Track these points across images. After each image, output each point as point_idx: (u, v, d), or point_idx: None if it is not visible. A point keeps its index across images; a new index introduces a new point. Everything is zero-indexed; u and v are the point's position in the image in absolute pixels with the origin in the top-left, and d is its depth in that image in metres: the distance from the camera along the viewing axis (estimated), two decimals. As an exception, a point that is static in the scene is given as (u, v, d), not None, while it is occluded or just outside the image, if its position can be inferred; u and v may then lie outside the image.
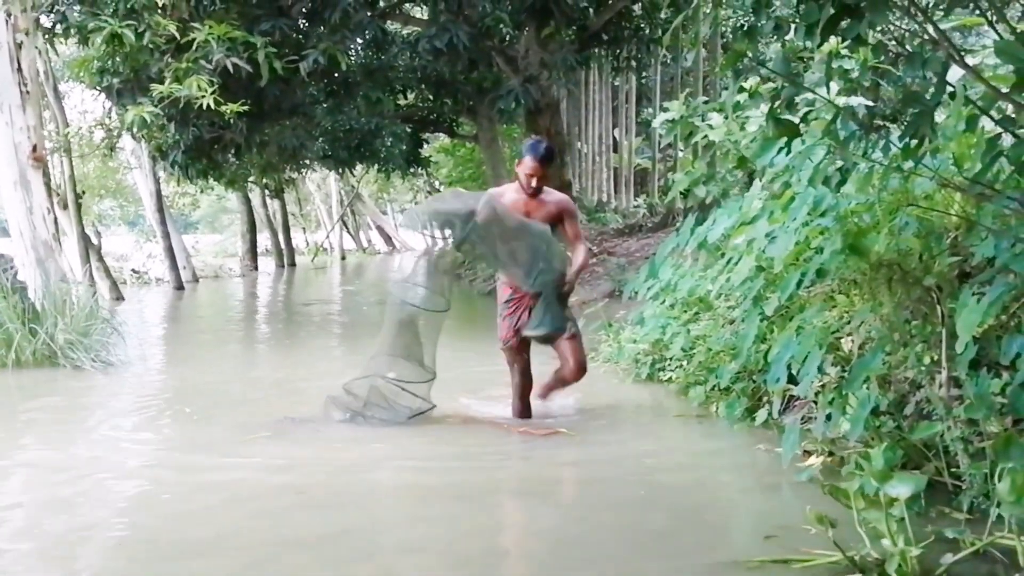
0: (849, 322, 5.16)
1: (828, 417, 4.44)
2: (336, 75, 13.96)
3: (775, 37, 3.88)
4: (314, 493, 4.35)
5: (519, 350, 5.63)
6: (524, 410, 5.79)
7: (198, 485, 4.52)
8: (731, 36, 15.34)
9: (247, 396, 7.09)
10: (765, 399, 5.46)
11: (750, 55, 4.03)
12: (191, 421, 6.07)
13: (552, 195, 5.57)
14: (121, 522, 3.98)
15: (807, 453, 4.51)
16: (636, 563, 3.32)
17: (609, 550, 3.45)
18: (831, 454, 4.39)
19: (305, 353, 9.90)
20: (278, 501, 4.21)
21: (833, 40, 5.02)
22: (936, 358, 4.13)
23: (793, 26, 4.01)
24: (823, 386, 4.87)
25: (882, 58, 5.93)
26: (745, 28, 4.04)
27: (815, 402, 4.96)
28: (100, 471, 4.82)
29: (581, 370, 5.59)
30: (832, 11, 3.62)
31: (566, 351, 5.52)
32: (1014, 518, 2.96)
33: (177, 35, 9.61)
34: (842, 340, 5.12)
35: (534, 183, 5.36)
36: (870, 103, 5.66)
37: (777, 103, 4.26)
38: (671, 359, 6.85)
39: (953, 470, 3.83)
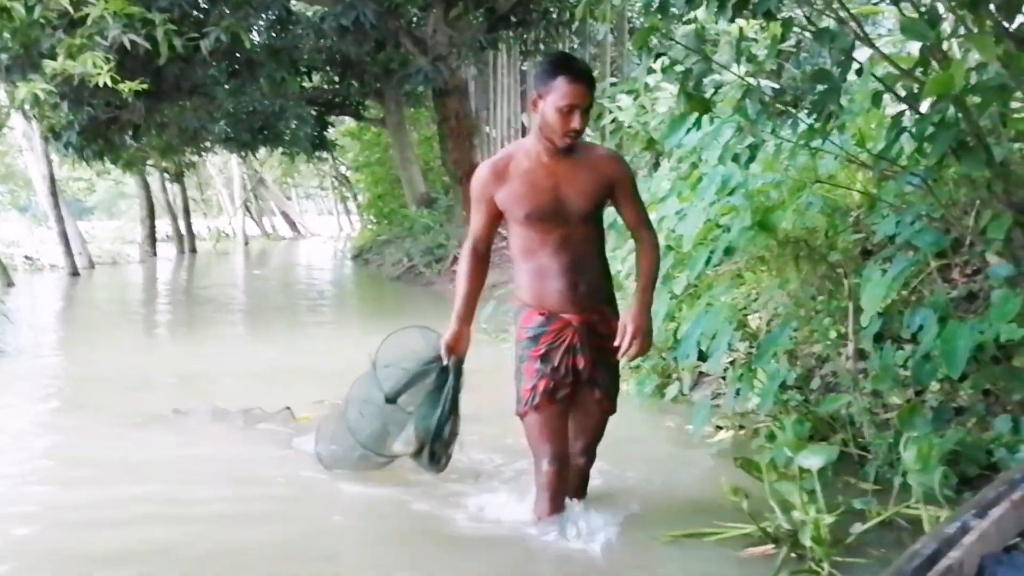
0: (757, 299, 5.24)
1: (737, 392, 4.50)
2: (239, 54, 13.60)
3: (687, 11, 3.88)
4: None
5: (552, 417, 3.23)
6: (554, 506, 3.31)
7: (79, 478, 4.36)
8: (639, 21, 15.44)
9: (141, 384, 6.80)
10: (675, 376, 5.50)
11: (662, 31, 4.03)
12: (80, 409, 5.83)
13: (593, 151, 3.31)
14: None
15: (717, 428, 4.56)
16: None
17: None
18: (741, 428, 4.44)
19: (204, 340, 9.63)
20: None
21: (741, 21, 5.07)
22: (842, 332, 4.20)
23: (705, 1, 4.02)
24: (732, 362, 4.94)
25: (789, 40, 6.02)
26: (657, 4, 4.04)
27: (724, 378, 5.02)
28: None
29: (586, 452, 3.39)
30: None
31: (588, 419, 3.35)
32: (921, 487, 3.01)
33: (71, 9, 9.19)
34: (750, 317, 5.18)
35: (576, 120, 3.05)
36: (775, 85, 5.73)
37: (688, 79, 4.26)
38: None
39: (859, 441, 3.90)
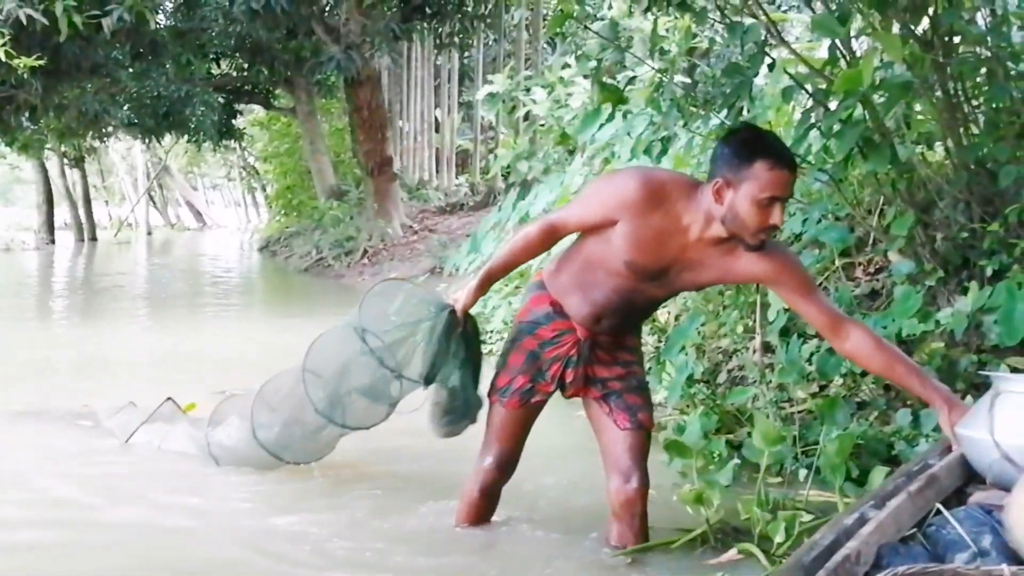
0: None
1: (646, 385, 4.49)
2: (143, 35, 13.17)
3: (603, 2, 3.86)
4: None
5: (516, 419, 2.96)
6: (479, 511, 3.07)
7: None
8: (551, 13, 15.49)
9: (35, 373, 6.50)
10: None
11: (575, 17, 4.00)
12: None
13: (758, 254, 2.61)
14: None
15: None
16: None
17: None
18: (649, 420, 4.43)
19: (100, 328, 9.29)
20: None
21: (651, 18, 5.07)
22: (749, 326, 4.23)
23: (620, -9, 4.01)
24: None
25: (701, 40, 6.07)
26: (572, -9, 4.01)
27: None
28: None
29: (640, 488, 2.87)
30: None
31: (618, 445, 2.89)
32: (836, 479, 3.00)
33: (-38, -20, 8.80)
34: (658, 311, 5.19)
35: (776, 217, 2.51)
36: (687, 80, 5.77)
37: (602, 70, 4.25)
38: (492, 331, 6.80)
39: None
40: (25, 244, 24.42)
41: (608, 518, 2.94)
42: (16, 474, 3.89)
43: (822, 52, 4.71)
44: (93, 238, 28.45)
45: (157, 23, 11.97)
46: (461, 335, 2.95)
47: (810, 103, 3.96)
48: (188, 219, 43.75)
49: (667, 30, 7.02)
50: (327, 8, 14.83)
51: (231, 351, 7.46)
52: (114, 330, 9.05)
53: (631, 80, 5.38)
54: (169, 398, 4.44)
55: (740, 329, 4.32)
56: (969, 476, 2.11)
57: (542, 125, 8.92)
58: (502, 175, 12.42)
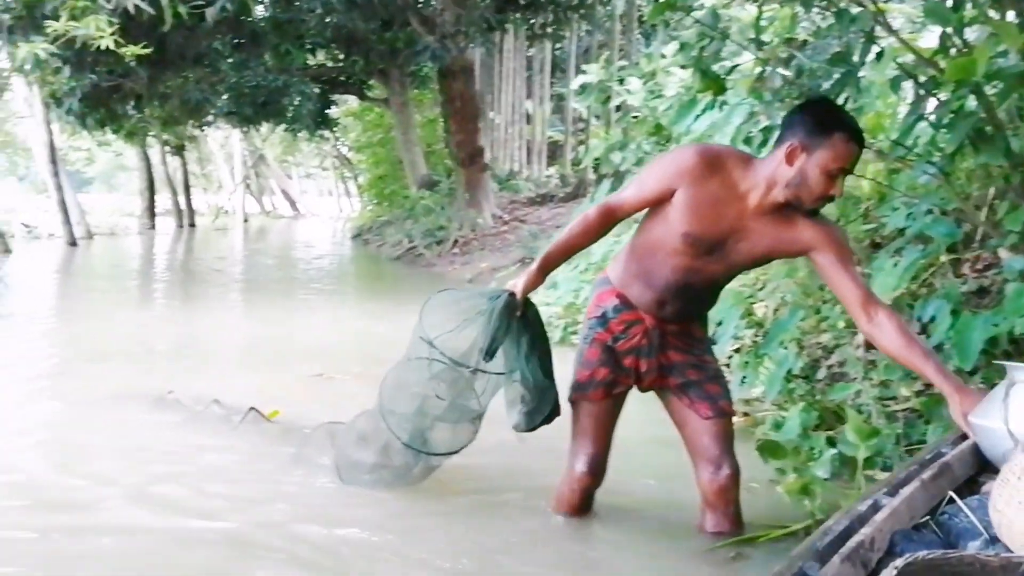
0: (764, 287, 5.17)
1: (743, 379, 4.43)
2: (244, 26, 13.48)
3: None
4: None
5: (602, 412, 2.94)
6: (576, 513, 3.05)
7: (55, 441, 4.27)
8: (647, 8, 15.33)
9: (131, 355, 6.67)
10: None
11: (677, 6, 3.95)
12: (71, 380, 5.73)
13: (809, 221, 2.69)
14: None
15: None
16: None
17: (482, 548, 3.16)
18: (745, 415, 4.37)
19: (200, 312, 9.55)
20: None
21: (753, 8, 4.98)
22: (851, 322, 4.13)
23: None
24: (738, 349, 4.87)
25: (804, 28, 5.94)
26: (675, -22, 3.96)
27: (728, 365, 4.95)
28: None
29: (732, 474, 2.87)
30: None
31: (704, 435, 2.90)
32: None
33: (75, -29, 9.11)
34: (756, 305, 5.11)
35: (839, 189, 2.60)
36: (788, 73, 5.66)
37: (703, 58, 4.18)
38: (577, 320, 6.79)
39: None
40: (128, 229, 25.22)
41: (701, 507, 2.92)
42: (87, 459, 3.91)
43: (927, 41, 4.58)
44: (192, 224, 29.24)
45: (257, 15, 12.15)
46: (522, 320, 2.91)
47: (918, 94, 3.84)
48: (282, 207, 44.63)
49: (769, 20, 6.92)
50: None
51: (323, 337, 7.59)
52: (210, 315, 9.29)
53: (730, 70, 5.29)
54: (252, 408, 4.44)
55: (842, 324, 4.22)
56: (982, 465, 2.10)
57: (635, 116, 8.85)
58: (593, 166, 12.38)
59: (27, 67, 9.76)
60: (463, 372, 3.05)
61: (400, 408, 3.24)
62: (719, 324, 4.55)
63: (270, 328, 8.19)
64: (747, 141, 4.42)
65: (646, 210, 2.85)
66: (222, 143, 37.45)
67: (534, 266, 2.89)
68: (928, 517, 1.79)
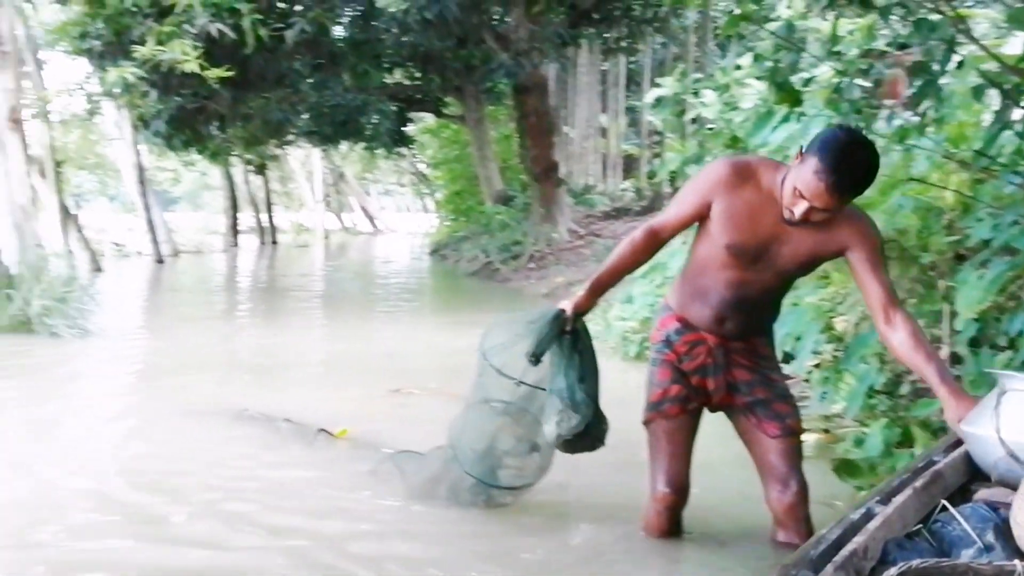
0: (844, 300, 5.07)
1: (823, 395, 4.36)
2: (322, 47, 13.75)
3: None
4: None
5: (678, 429, 2.94)
6: (666, 529, 3.02)
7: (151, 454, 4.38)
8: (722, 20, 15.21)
9: (216, 371, 6.83)
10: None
11: (752, 19, 3.92)
12: (158, 396, 5.89)
13: (845, 218, 2.65)
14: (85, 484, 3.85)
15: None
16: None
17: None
18: (825, 431, 4.30)
19: (282, 327, 9.74)
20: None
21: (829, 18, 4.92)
22: (936, 336, 4.04)
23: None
24: (817, 364, 4.78)
25: (884, 32, 5.84)
26: (749, -9, 3.93)
27: (808, 380, 4.88)
28: (68, 434, 4.68)
29: (800, 492, 2.86)
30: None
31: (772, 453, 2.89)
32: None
33: (161, -3, 9.44)
34: (837, 319, 5.02)
35: (802, 210, 2.54)
36: (867, 84, 5.57)
37: (778, 71, 4.15)
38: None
39: (950, 450, 3.74)
40: (212, 247, 25.82)
41: (772, 527, 2.91)
42: (164, 474, 3.97)
43: (1011, 48, 4.46)
44: (274, 241, 29.84)
45: (335, 35, 12.39)
46: (572, 336, 2.96)
47: (1003, 102, 3.75)
48: (362, 224, 45.26)
49: (848, 32, 6.82)
50: (497, 16, 15.06)
51: (400, 352, 7.68)
52: (291, 330, 9.47)
53: (807, 82, 5.23)
54: (322, 429, 4.49)
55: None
56: (974, 473, 2.09)
57: (711, 128, 8.77)
58: (669, 179, 12.30)
59: (116, 91, 10.10)
60: (517, 405, 3.15)
61: (470, 446, 3.31)
62: (798, 339, 4.49)
63: (349, 343, 8.31)
64: (825, 153, 4.36)
65: (694, 233, 2.88)
66: (303, 161, 38.14)
67: (587, 293, 2.94)
68: (921, 525, 1.78)
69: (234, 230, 27.75)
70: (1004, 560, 1.55)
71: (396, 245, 30.67)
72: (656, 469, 2.95)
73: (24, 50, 14.13)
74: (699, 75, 12.04)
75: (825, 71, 4.65)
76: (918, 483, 1.88)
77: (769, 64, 3.98)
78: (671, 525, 3.01)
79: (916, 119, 3.79)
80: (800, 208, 2.52)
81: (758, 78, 6.24)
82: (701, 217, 2.77)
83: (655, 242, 2.88)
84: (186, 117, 13.66)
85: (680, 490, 2.95)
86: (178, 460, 4.20)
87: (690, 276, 2.90)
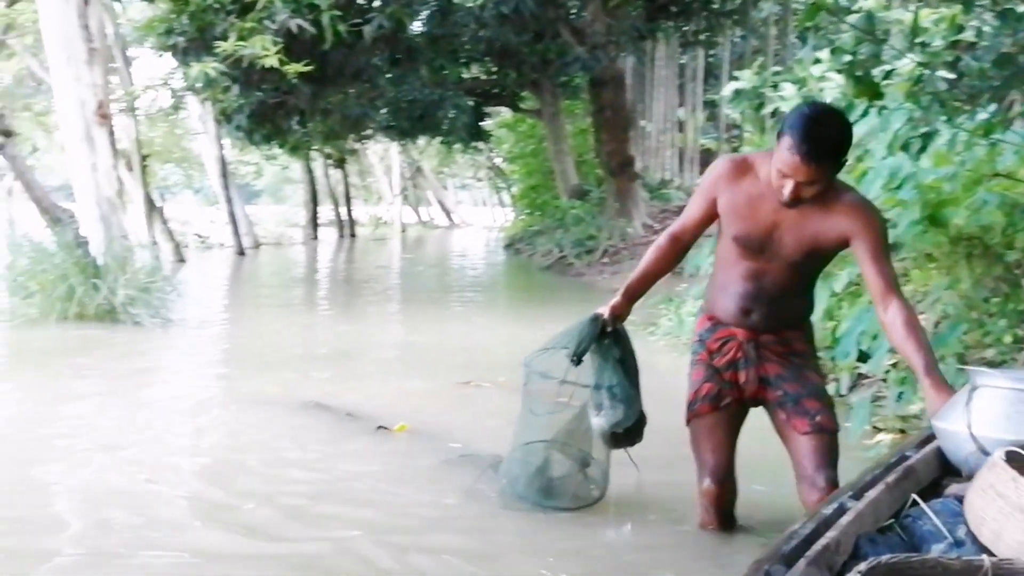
0: (924, 299, 4.95)
1: (900, 395, 4.25)
2: (400, 41, 13.87)
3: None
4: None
5: (714, 426, 2.99)
6: (718, 522, 3.05)
7: (232, 443, 4.47)
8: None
9: (293, 361, 6.93)
10: (832, 375, 5.25)
11: (830, 9, 3.84)
12: (236, 386, 6.01)
13: (838, 198, 2.71)
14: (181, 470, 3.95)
15: (876, 430, 4.33)
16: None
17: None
18: (901, 432, 4.20)
19: (357, 318, 9.87)
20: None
21: (912, 9, 4.79)
22: (1019, 336, 3.91)
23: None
24: (895, 364, 4.67)
25: (968, 26, 5.67)
26: (827, -19, 3.85)
27: (884, 380, 4.76)
28: (154, 426, 4.82)
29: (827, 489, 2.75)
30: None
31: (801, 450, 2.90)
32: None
33: (243, -6, 9.62)
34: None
35: (788, 188, 2.59)
36: (951, 76, 5.41)
37: (857, 64, 4.05)
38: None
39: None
40: (292, 239, 26.28)
41: None
42: (232, 468, 4.01)
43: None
44: (352, 234, 30.24)
45: (412, 31, 12.49)
46: (612, 337, 3.08)
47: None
48: (438, 217, 45.61)
49: (933, 23, 6.64)
50: (573, 10, 15.01)
51: (472, 345, 7.72)
52: (365, 322, 9.59)
53: (888, 74, 5.10)
54: (381, 427, 4.54)
55: (1008, 339, 4.00)
56: (945, 468, 2.11)
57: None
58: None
59: (199, 85, 10.32)
60: (562, 402, 3.23)
61: (524, 457, 3.41)
62: (874, 338, 4.38)
63: (421, 335, 8.39)
64: (905, 148, 4.25)
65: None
66: (381, 156, 38.56)
67: (621, 297, 3.08)
68: (893, 520, 1.79)
69: (314, 223, 28.19)
70: (974, 555, 1.55)
71: (471, 239, 30.84)
72: (700, 465, 3.02)
73: (113, 47, 14.56)
74: (778, 68, 11.85)
75: (907, 63, 4.53)
76: (890, 478, 1.89)
77: (847, 57, 3.89)
78: (722, 518, 3.04)
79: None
80: (787, 187, 2.58)
81: (838, 71, 6.11)
82: (712, 215, 2.88)
83: (678, 246, 3.02)
84: (267, 112, 13.90)
85: (723, 483, 2.99)
86: (247, 450, 4.26)
87: (715, 274, 2.99)
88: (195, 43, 10.85)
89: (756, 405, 3.00)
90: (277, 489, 3.71)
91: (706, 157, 22.61)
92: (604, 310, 3.08)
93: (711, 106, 23.25)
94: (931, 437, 2.21)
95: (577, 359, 3.05)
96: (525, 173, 25.20)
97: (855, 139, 5.99)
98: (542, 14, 13.32)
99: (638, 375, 3.16)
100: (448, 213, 45.19)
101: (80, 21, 9.03)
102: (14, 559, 3.00)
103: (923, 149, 4.38)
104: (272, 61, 9.67)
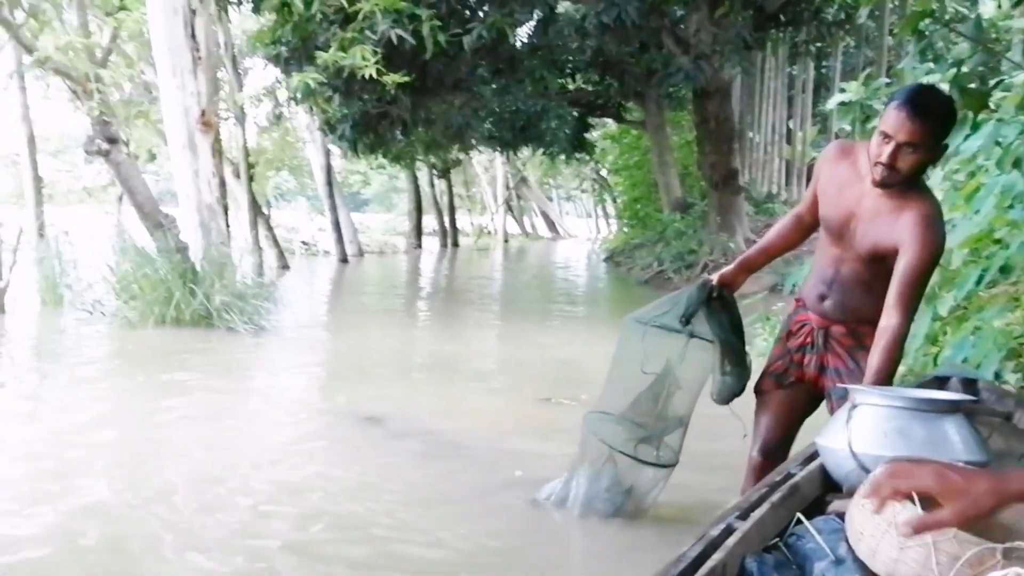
0: (1037, 326, 4.60)
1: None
2: (501, 52, 13.84)
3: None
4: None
5: (772, 402, 3.06)
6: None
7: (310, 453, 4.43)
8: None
9: (379, 373, 6.94)
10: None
11: (935, 16, 3.58)
12: (327, 393, 6.01)
13: (909, 203, 2.63)
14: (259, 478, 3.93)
15: (978, 467, 4.02)
16: None
17: None
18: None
19: (453, 329, 9.84)
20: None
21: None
22: None
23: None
24: (1001, 395, 4.34)
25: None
26: (931, -15, 3.60)
27: (990, 412, 4.44)
28: (236, 444, 4.83)
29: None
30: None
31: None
32: None
33: (345, 4, 9.67)
34: (1026, 346, 4.55)
35: (886, 152, 2.52)
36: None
37: (963, 73, 3.78)
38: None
39: None
40: (396, 248, 26.58)
41: None
42: (310, 488, 3.96)
43: None
44: (455, 244, 30.45)
45: (516, 39, 12.43)
46: (719, 301, 3.15)
47: None
48: (542, 228, 45.60)
49: (1052, 27, 6.21)
50: (678, 19, 14.75)
51: (561, 360, 7.62)
52: (462, 333, 9.56)
53: (997, 84, 4.78)
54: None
55: None
56: (829, 486, 2.13)
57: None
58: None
59: (299, 95, 10.46)
60: (680, 339, 3.23)
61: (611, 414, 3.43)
62: (978, 366, 4.08)
63: (515, 349, 8.34)
64: (1016, 164, 3.94)
65: None
66: (486, 166, 38.77)
67: (736, 265, 3.16)
68: (778, 539, 1.80)
69: (417, 232, 28.46)
70: (852, 572, 1.59)
71: (574, 250, 30.70)
72: (755, 435, 3.08)
73: (224, 56, 14.93)
74: (887, 80, 11.39)
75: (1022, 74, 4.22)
76: (775, 497, 1.90)
77: (952, 67, 3.63)
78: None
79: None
80: (887, 150, 2.53)
81: (947, 82, 5.76)
82: (818, 195, 2.90)
83: (799, 225, 3.06)
84: (369, 121, 14.04)
85: (769, 458, 2.98)
86: (330, 470, 4.22)
87: (815, 258, 3.02)
88: (297, 53, 11.02)
89: (815, 388, 3.01)
90: (353, 510, 3.66)
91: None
92: (714, 276, 3.17)
93: (823, 118, 22.63)
94: (815, 454, 2.20)
95: (686, 320, 3.15)
96: (629, 185, 24.97)
97: (970, 154, 5.67)
98: (645, 23, 13.10)
99: (743, 336, 3.25)
100: (552, 224, 45.12)
101: (187, 31, 9.24)
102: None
103: (1037, 165, 4.07)
104: (371, 71, 9.73)
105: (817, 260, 2.95)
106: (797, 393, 3.01)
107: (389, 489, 3.89)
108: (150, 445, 4.52)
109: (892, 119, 2.52)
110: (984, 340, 4.21)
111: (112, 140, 9.29)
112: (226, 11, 12.08)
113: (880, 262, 2.73)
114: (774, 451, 3.01)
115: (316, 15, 10.03)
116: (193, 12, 9.23)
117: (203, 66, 9.45)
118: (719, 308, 3.16)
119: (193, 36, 9.29)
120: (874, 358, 2.59)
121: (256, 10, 10.67)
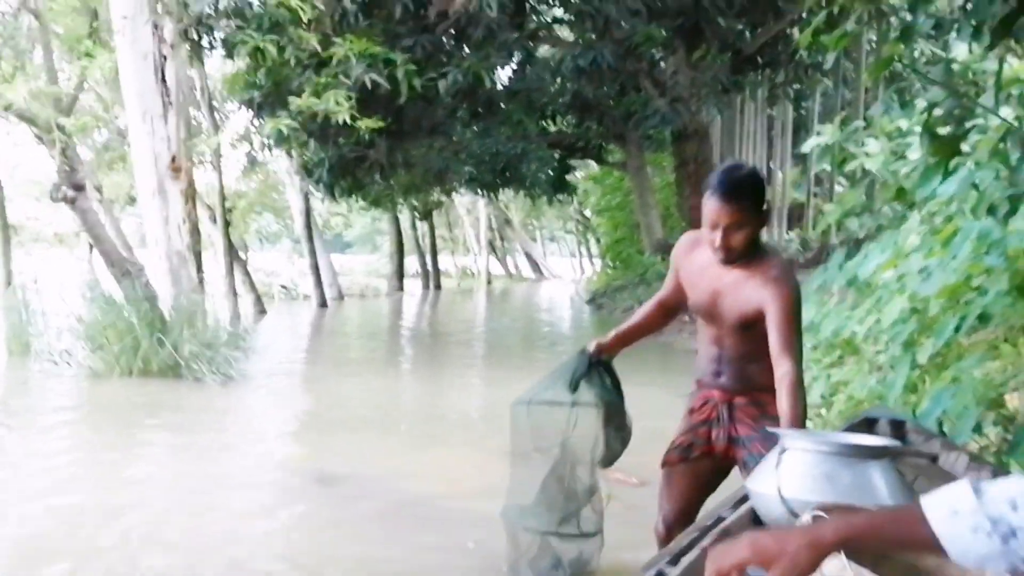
0: (1016, 375, 4.47)
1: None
2: (478, 95, 13.79)
3: (935, 39, 3.34)
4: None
5: (677, 475, 3.10)
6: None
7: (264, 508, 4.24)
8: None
9: (357, 425, 6.75)
10: (913, 458, 4.80)
11: (903, 62, 3.49)
12: (296, 447, 5.84)
13: (763, 268, 2.81)
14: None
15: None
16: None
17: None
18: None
19: (435, 378, 9.68)
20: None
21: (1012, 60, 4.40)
22: None
23: (956, 27, 3.44)
24: (982, 448, 4.21)
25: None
26: (899, 30, 3.51)
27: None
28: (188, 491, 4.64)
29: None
30: (1009, 5, 3.06)
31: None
32: None
33: (319, 49, 9.60)
34: (1007, 396, 4.42)
35: (718, 238, 2.73)
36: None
37: (934, 118, 3.68)
38: (809, 405, 6.20)
39: None
40: (377, 291, 26.41)
41: None
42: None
43: None
44: (438, 286, 30.32)
45: (492, 83, 12.37)
46: (600, 366, 3.25)
47: None
48: (526, 269, 45.56)
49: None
50: (655, 63, 14.76)
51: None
52: (439, 382, 9.38)
53: (968, 131, 4.69)
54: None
55: (1112, 427, 3.53)
56: (759, 529, 2.09)
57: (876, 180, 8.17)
58: (836, 229, 11.64)
59: (272, 140, 10.34)
60: (563, 414, 3.30)
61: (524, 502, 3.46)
62: (958, 418, 3.95)
63: (494, 399, 8.11)
64: (991, 211, 3.84)
65: None
66: (469, 208, 38.78)
67: (612, 332, 3.26)
68: None
69: (399, 274, 28.33)
70: None
71: (557, 292, 30.61)
72: (659, 507, 3.12)
73: (201, 100, 14.84)
74: (862, 123, 11.38)
75: (995, 118, 4.12)
76: (706, 541, 1.90)
77: (923, 112, 3.53)
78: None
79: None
80: (718, 236, 2.73)
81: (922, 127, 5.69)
82: (680, 285, 3.04)
83: (662, 310, 3.20)
84: (347, 165, 13.95)
85: (671, 530, 3.01)
86: (279, 538, 4.09)
87: (698, 344, 3.09)
88: (270, 98, 10.93)
89: (729, 464, 3.07)
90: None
91: (799, 211, 22.02)
92: (592, 343, 3.27)
93: (802, 159, 22.69)
94: (746, 497, 2.18)
95: (574, 386, 3.25)
96: (611, 226, 24.95)
97: (946, 198, 5.58)
98: (621, 67, 13.10)
99: (624, 404, 3.36)
100: (536, 265, 45.09)
101: (157, 76, 9.14)
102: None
103: (1013, 212, 3.97)
104: (345, 116, 9.64)
105: (701, 344, 3.05)
106: (703, 466, 3.07)
107: (334, 557, 3.72)
108: (97, 514, 4.33)
109: (711, 209, 2.73)
110: (964, 390, 4.08)
111: (79, 187, 9.15)
112: (199, 56, 12.00)
113: (752, 328, 2.83)
114: (676, 524, 3.03)
115: (290, 60, 9.95)
116: (164, 57, 9.13)
117: (174, 111, 9.34)
118: (601, 372, 3.29)
119: (164, 81, 9.19)
120: (783, 404, 2.63)
121: (229, 55, 10.59)
